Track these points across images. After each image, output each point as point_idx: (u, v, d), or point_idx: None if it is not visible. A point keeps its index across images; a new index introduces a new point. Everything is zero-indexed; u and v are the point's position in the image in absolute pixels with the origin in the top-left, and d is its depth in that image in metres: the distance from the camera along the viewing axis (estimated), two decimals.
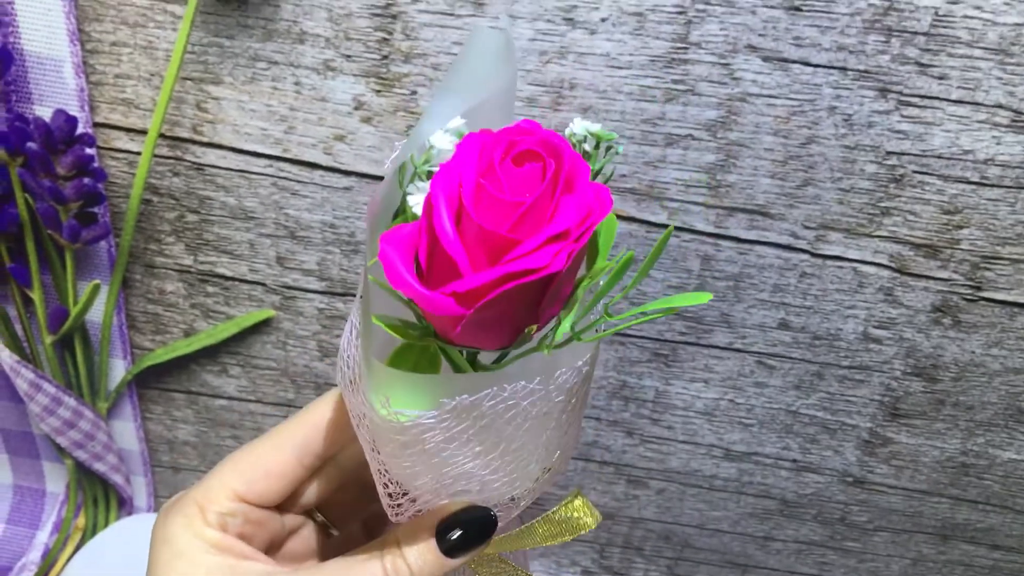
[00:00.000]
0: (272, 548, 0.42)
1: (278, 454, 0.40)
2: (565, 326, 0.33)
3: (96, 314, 0.64)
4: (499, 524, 0.39)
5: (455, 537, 0.37)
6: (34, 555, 0.70)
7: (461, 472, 0.36)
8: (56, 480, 0.74)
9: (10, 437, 0.72)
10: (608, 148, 0.35)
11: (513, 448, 0.36)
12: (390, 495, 0.39)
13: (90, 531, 0.71)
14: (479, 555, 0.42)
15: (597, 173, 0.35)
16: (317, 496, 0.43)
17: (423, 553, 0.37)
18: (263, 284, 0.62)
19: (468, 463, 0.35)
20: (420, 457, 0.35)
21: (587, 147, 0.35)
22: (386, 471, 0.37)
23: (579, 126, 0.35)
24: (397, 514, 0.39)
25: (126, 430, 0.71)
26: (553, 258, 0.29)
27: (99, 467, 0.69)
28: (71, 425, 0.65)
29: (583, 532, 0.43)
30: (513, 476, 0.37)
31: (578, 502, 0.43)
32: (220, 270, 0.62)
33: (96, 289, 0.60)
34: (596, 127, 0.35)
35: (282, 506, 0.42)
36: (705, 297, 0.32)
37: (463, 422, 0.33)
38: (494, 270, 0.29)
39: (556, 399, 0.35)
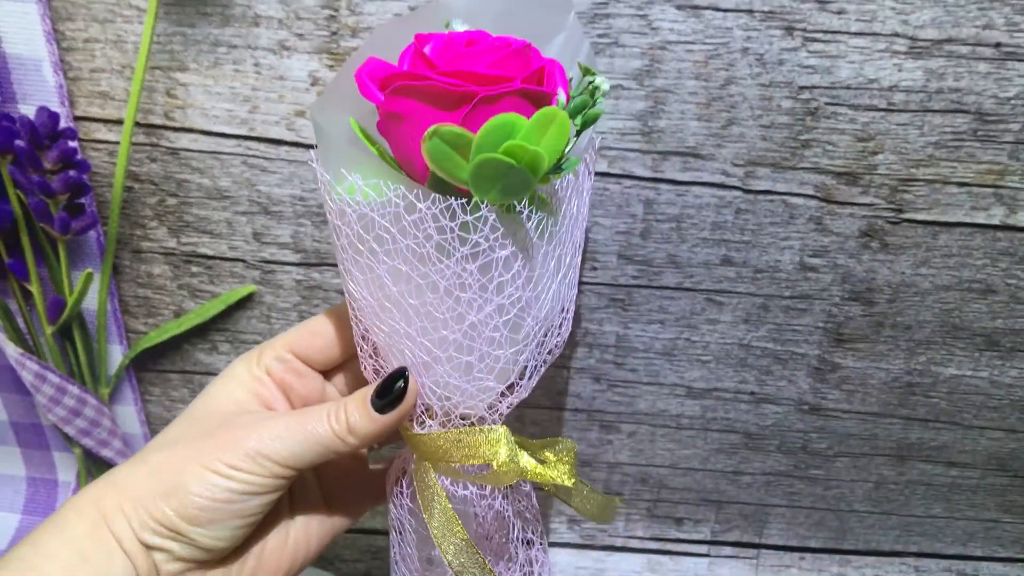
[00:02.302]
0: (308, 404, 0.52)
1: (323, 319, 0.51)
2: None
3: (91, 302, 0.67)
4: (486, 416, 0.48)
5: (377, 393, 0.45)
6: None
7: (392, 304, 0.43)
8: (66, 469, 0.77)
9: (20, 430, 0.75)
10: (595, 89, 0.41)
11: (425, 302, 0.42)
12: (362, 353, 0.48)
13: None
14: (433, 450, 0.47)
15: (592, 117, 0.41)
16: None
17: (359, 407, 0.45)
18: (243, 260, 0.66)
19: (389, 288, 0.42)
20: (360, 269, 0.43)
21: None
22: (352, 305, 0.46)
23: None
24: (365, 368, 0.48)
25: (128, 414, 0.74)
26: (455, 81, 0.37)
27: (106, 453, 0.73)
28: (77, 413, 0.69)
29: (503, 469, 0.47)
30: (430, 344, 0.44)
31: (495, 433, 0.47)
32: (202, 250, 0.66)
33: (89, 277, 0.63)
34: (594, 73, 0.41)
35: (330, 376, 0.53)
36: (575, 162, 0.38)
37: (386, 216, 0.40)
38: (411, 72, 0.38)
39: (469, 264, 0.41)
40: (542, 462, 0.52)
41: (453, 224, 0.39)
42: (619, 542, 0.81)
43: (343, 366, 0.54)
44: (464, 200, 0.39)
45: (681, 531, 0.80)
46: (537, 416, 0.73)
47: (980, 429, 0.73)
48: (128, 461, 0.46)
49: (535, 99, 0.39)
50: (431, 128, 0.36)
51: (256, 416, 0.47)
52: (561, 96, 0.40)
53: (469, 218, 0.39)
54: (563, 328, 0.48)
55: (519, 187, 0.39)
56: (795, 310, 0.67)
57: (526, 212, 0.40)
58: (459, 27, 0.42)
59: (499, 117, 0.36)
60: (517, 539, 0.54)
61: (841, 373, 0.70)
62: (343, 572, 0.80)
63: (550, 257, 0.44)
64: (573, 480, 0.52)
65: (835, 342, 0.68)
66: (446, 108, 0.38)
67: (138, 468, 0.45)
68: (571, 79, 0.41)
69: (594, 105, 0.41)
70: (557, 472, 0.52)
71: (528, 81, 0.38)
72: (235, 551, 0.47)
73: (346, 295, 0.46)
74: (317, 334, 0.51)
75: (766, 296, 0.66)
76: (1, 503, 0.79)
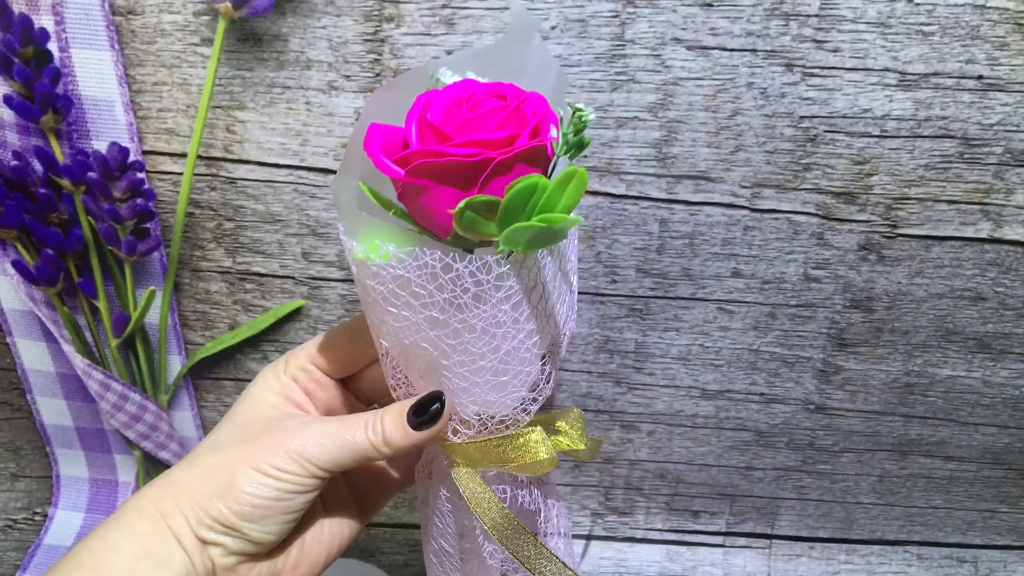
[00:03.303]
0: (329, 413, 0.55)
1: (339, 333, 0.54)
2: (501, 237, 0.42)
3: (153, 316, 0.72)
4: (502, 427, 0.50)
5: (414, 411, 0.49)
6: None
7: (422, 342, 0.46)
8: (127, 470, 0.82)
9: (84, 434, 0.80)
10: (581, 119, 0.43)
11: (463, 341, 0.46)
12: (393, 377, 0.51)
13: None
14: (461, 463, 0.52)
15: (579, 145, 0.44)
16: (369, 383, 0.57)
17: (395, 422, 0.49)
18: (292, 277, 0.72)
19: (426, 332, 0.45)
20: (395, 319, 0.45)
21: (566, 129, 0.44)
22: (384, 344, 0.49)
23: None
24: (395, 391, 0.51)
25: (185, 419, 0.79)
26: (470, 151, 0.40)
27: (164, 455, 0.77)
28: (137, 419, 0.74)
29: (540, 462, 0.50)
30: (467, 373, 0.47)
31: (535, 435, 0.50)
32: (255, 268, 0.71)
33: (152, 295, 0.68)
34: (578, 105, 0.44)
35: (345, 383, 0.56)
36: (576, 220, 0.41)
37: (423, 276, 0.43)
38: (427, 149, 0.41)
39: (502, 306, 0.44)
40: (557, 432, 0.57)
41: (490, 277, 0.43)
42: (640, 534, 0.86)
43: (359, 375, 0.57)
44: (498, 257, 0.42)
45: (698, 523, 0.86)
46: None
47: (975, 425, 0.78)
48: (181, 463, 0.50)
49: (537, 154, 0.42)
50: (463, 203, 0.39)
51: (298, 421, 0.51)
52: (553, 133, 0.43)
53: (504, 269, 0.43)
54: (570, 326, 0.52)
55: (550, 241, 0.43)
56: (800, 317, 0.72)
57: (544, 252, 0.44)
58: (447, 79, 0.45)
59: (521, 181, 0.39)
60: (538, 496, 0.58)
61: (844, 375, 0.75)
62: (383, 564, 0.85)
63: (561, 276, 0.48)
64: (585, 443, 0.56)
65: (838, 346, 0.74)
66: (465, 179, 0.41)
67: (192, 470, 0.49)
68: (561, 116, 0.44)
69: (583, 137, 0.44)
70: (570, 439, 0.56)
71: (532, 137, 0.41)
72: (281, 545, 0.51)
73: (374, 336, 0.49)
74: (333, 347, 0.54)
75: (773, 305, 0.72)
76: (66, 503, 0.83)
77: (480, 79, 0.45)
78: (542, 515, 0.57)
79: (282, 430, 0.49)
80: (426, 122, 0.42)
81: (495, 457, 0.51)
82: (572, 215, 0.41)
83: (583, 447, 0.56)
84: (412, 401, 0.49)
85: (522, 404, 0.51)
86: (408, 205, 0.44)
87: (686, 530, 0.86)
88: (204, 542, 0.47)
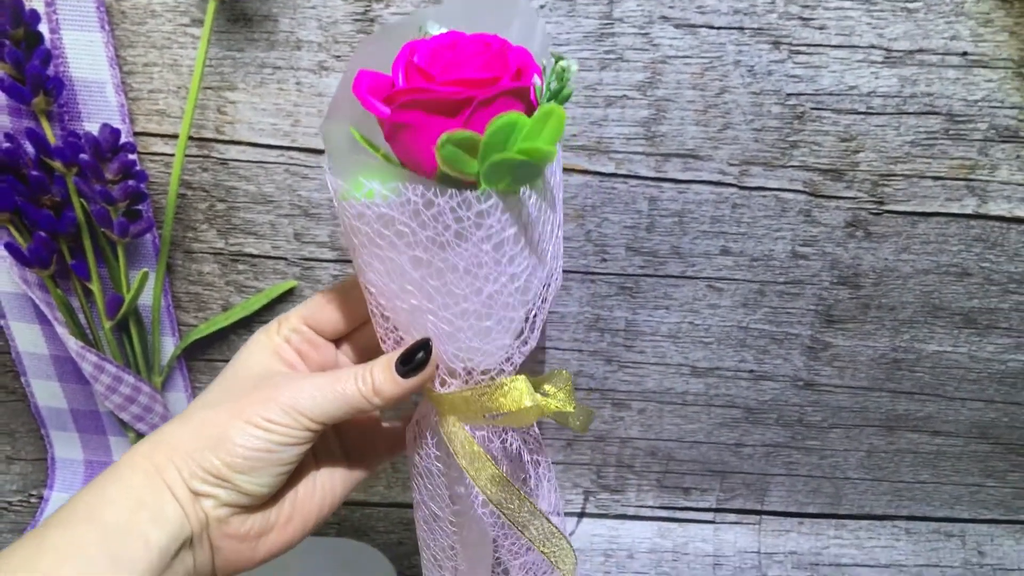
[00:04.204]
0: (323, 370, 0.56)
1: (332, 293, 0.56)
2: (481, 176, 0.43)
3: (146, 298, 0.72)
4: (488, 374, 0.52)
5: (401, 360, 0.50)
6: None
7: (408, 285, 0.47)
8: (122, 452, 0.80)
9: (79, 416, 0.80)
10: (564, 71, 0.44)
11: (446, 282, 0.47)
12: (382, 327, 0.52)
13: None
14: (449, 412, 0.53)
15: (565, 98, 0.45)
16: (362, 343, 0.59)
17: (384, 371, 0.50)
18: (285, 258, 0.72)
19: (411, 273, 0.47)
20: (380, 261, 0.47)
21: (550, 78, 0.45)
22: (371, 292, 0.50)
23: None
24: (384, 342, 0.53)
25: (179, 400, 0.79)
26: (454, 89, 0.42)
27: None
28: (131, 400, 0.74)
29: (526, 411, 0.51)
30: (451, 316, 0.48)
31: (519, 383, 0.51)
32: (248, 249, 0.72)
33: (145, 277, 0.68)
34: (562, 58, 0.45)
35: (339, 344, 0.58)
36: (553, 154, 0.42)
37: (406, 212, 0.44)
38: (413, 87, 0.43)
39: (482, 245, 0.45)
40: (545, 395, 0.57)
41: (470, 213, 0.44)
42: (631, 511, 0.87)
43: (351, 336, 0.58)
44: (479, 193, 0.43)
45: (688, 500, 0.86)
46: None
47: (962, 400, 0.79)
48: (172, 421, 0.51)
49: (520, 94, 0.44)
50: (444, 136, 0.40)
51: (288, 376, 0.52)
52: (536, 82, 0.44)
53: (484, 206, 0.44)
54: (556, 278, 0.53)
55: (529, 177, 0.44)
56: (788, 294, 0.73)
57: (528, 193, 0.45)
58: (434, 30, 0.46)
59: (502, 117, 0.41)
60: (528, 462, 0.59)
61: (832, 351, 0.76)
62: (378, 543, 0.85)
63: (547, 223, 0.48)
64: (573, 405, 0.57)
65: (826, 323, 0.74)
66: (449, 114, 0.42)
67: (184, 426, 0.50)
68: (544, 66, 0.45)
69: (564, 87, 0.45)
70: (558, 401, 0.57)
71: (514, 79, 0.43)
72: (273, 498, 0.53)
73: (363, 284, 0.51)
74: (326, 307, 0.56)
75: (762, 282, 0.72)
76: (61, 485, 0.84)
77: (466, 32, 0.46)
78: (532, 482, 0.58)
79: (272, 385, 0.51)
80: (413, 65, 0.44)
81: (480, 407, 0.52)
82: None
83: (571, 409, 0.56)
84: (400, 351, 0.50)
85: (507, 354, 0.51)
86: (395, 146, 0.45)
87: (677, 507, 0.87)
88: (197, 494, 0.48)
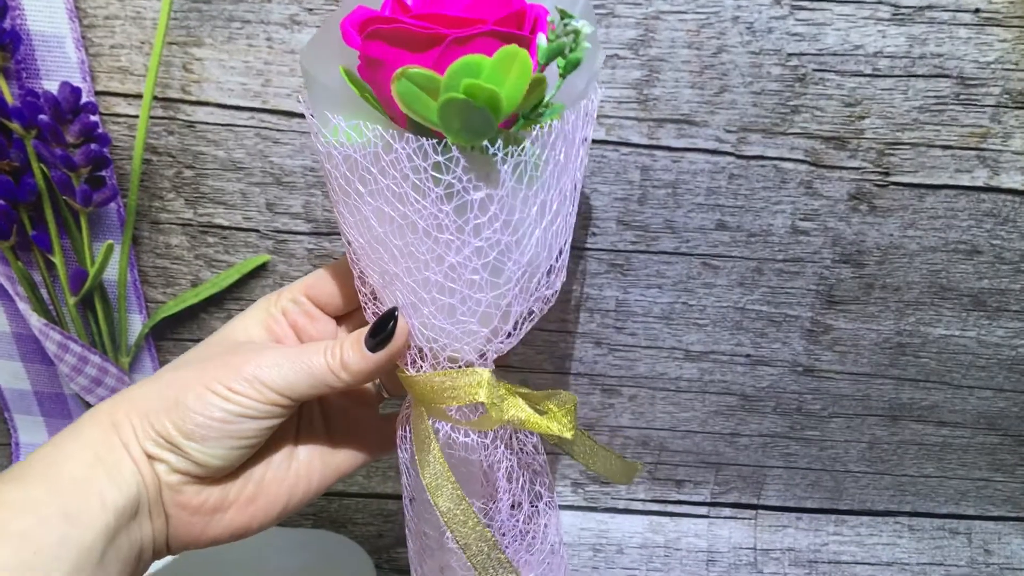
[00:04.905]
0: None
1: (336, 266, 0.55)
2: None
3: (112, 273, 0.69)
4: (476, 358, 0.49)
5: (371, 332, 0.48)
6: None
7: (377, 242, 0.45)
8: None
9: (44, 399, 0.77)
10: (576, 32, 0.42)
11: (407, 242, 0.44)
12: (360, 293, 0.51)
13: None
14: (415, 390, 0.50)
15: (574, 61, 0.42)
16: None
17: (354, 345, 0.48)
18: (257, 231, 0.69)
19: (376, 229, 0.44)
20: (348, 211, 0.45)
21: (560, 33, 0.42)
22: (350, 247, 0.48)
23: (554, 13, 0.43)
24: (365, 310, 0.51)
25: None
26: (424, 24, 0.39)
27: None
28: (98, 382, 0.71)
29: (482, 411, 0.50)
30: (415, 284, 0.46)
31: (476, 376, 0.49)
32: (218, 220, 0.68)
33: (110, 249, 0.65)
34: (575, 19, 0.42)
35: (343, 321, 0.57)
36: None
37: (367, 156, 0.42)
38: (384, 16, 0.40)
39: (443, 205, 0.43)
40: (543, 413, 0.54)
41: (426, 164, 0.41)
42: (621, 504, 0.84)
43: (352, 314, 0.57)
44: (436, 141, 0.41)
45: (681, 493, 0.83)
46: (540, 381, 0.75)
47: (969, 388, 0.75)
48: (145, 379, 0.50)
49: (509, 41, 0.40)
50: (399, 70, 0.38)
51: (260, 346, 0.51)
52: (542, 40, 0.41)
53: (440, 158, 0.41)
54: (553, 278, 0.50)
55: (482, 127, 0.40)
56: (788, 273, 0.69)
57: (500, 155, 0.41)
58: None
59: (464, 58, 0.38)
60: (524, 490, 0.56)
61: (833, 335, 0.72)
62: (356, 535, 0.82)
63: (531, 202, 0.45)
64: (572, 432, 0.54)
65: (827, 304, 0.71)
66: (418, 51, 0.40)
67: (150, 385, 0.49)
68: (552, 20, 0.42)
69: (576, 48, 0.41)
70: (557, 423, 0.53)
71: (503, 23, 0.40)
72: (234, 473, 0.51)
73: (343, 239, 0.49)
74: (329, 280, 0.55)
75: (760, 260, 0.69)
76: None
77: None
78: (516, 471, 0.55)
79: (240, 352, 0.49)
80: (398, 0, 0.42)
81: (438, 395, 0.49)
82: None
83: (569, 435, 0.53)
84: (371, 324, 0.49)
85: (477, 344, 0.49)
86: (371, 83, 0.43)
87: (669, 500, 0.83)
88: (149, 456, 0.47)
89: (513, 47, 0.38)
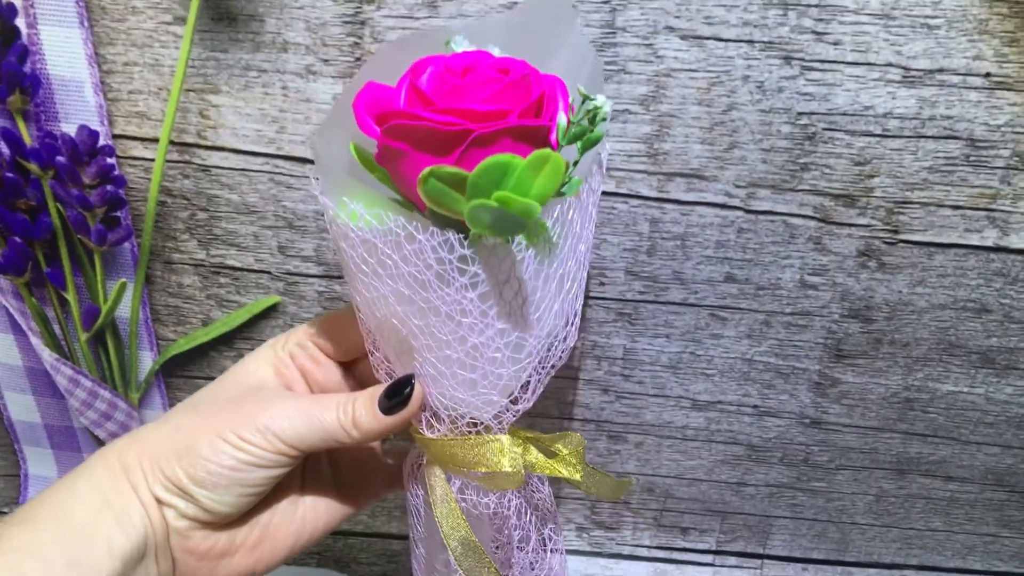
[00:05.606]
0: (325, 391, 0.55)
1: (342, 313, 0.54)
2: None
3: (124, 310, 0.70)
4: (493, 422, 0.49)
5: (386, 394, 0.48)
6: None
7: (392, 317, 0.44)
8: None
9: (54, 432, 0.78)
10: (595, 112, 0.42)
11: (429, 323, 0.44)
12: (373, 355, 0.50)
13: None
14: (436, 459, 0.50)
15: (592, 141, 0.42)
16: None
17: (367, 404, 0.48)
18: (268, 272, 0.69)
19: (394, 307, 0.44)
20: (366, 288, 0.44)
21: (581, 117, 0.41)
22: (362, 317, 0.48)
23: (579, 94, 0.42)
24: (377, 371, 0.51)
25: (156, 418, 0.76)
26: (448, 119, 0.38)
27: None
28: (108, 417, 0.72)
29: (503, 475, 0.49)
30: (435, 360, 0.45)
31: (498, 443, 0.49)
32: (230, 262, 0.69)
33: (123, 287, 0.66)
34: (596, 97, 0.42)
35: (349, 367, 0.57)
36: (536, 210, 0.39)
37: (388, 243, 0.41)
38: (406, 111, 0.39)
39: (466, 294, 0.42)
40: (553, 455, 0.54)
41: (451, 256, 0.40)
42: (626, 550, 0.83)
43: (361, 361, 0.56)
44: (463, 235, 0.40)
45: (687, 540, 0.83)
46: (547, 426, 0.76)
47: (977, 444, 0.75)
48: (155, 421, 0.50)
49: (531, 134, 0.39)
50: (426, 171, 0.37)
51: (273, 394, 0.51)
52: (561, 120, 0.40)
53: (468, 252, 0.40)
54: (567, 340, 0.50)
55: (513, 228, 0.40)
56: (796, 326, 0.69)
57: (523, 244, 0.41)
58: (460, 47, 0.43)
59: (493, 158, 0.37)
60: (533, 533, 0.56)
61: (841, 388, 0.72)
62: (360, 574, 0.82)
63: (551, 279, 0.45)
64: (581, 474, 0.54)
65: (835, 358, 0.71)
66: (441, 148, 0.39)
67: (161, 428, 0.49)
68: (573, 101, 0.42)
69: (594, 129, 0.41)
70: (566, 467, 0.54)
71: (525, 115, 0.39)
72: (241, 518, 0.51)
73: (354, 306, 0.48)
74: (335, 327, 0.54)
75: (768, 312, 0.69)
76: None
77: (499, 53, 0.43)
78: (526, 512, 0.55)
79: (254, 401, 0.49)
80: (415, 88, 0.40)
81: (458, 460, 0.49)
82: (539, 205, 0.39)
83: (579, 477, 0.53)
84: (387, 385, 0.49)
85: (495, 410, 0.49)
86: (389, 170, 0.42)
87: (675, 547, 0.83)
88: (159, 501, 0.47)
89: (546, 152, 0.37)
